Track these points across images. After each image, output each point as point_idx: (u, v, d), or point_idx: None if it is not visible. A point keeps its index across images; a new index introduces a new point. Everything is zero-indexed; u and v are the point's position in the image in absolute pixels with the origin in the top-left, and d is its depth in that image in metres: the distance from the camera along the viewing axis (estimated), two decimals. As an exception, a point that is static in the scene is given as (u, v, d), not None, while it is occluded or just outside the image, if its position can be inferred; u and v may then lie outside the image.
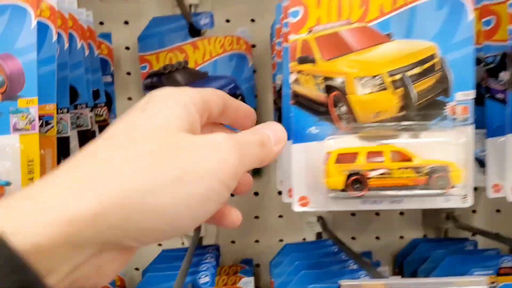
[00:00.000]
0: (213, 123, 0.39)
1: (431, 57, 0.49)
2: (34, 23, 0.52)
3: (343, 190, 0.49)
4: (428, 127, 0.48)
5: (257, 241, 1.03)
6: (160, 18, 0.92)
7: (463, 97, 0.49)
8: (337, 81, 0.48)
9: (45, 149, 0.58)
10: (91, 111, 0.76)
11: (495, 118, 0.63)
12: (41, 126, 0.57)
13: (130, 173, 0.30)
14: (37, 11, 0.53)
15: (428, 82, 0.49)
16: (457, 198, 0.49)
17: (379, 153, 0.48)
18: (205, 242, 1.01)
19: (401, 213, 1.02)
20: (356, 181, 0.48)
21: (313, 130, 0.49)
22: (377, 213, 1.02)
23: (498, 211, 1.03)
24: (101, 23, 0.96)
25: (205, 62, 0.90)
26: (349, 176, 0.48)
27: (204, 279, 0.83)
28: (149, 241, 0.32)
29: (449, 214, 0.98)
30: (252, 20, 0.98)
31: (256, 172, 0.97)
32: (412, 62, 0.49)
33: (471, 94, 0.49)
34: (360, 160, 0.48)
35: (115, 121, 0.34)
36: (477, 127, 0.54)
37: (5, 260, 0.25)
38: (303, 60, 0.47)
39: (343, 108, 0.48)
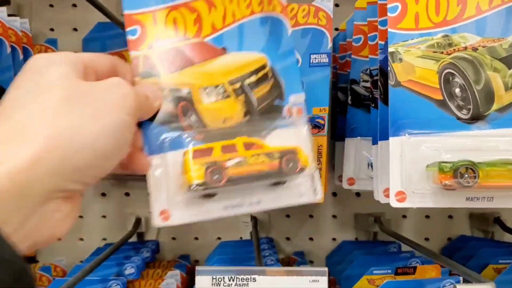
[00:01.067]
0: None
1: (263, 66, 0.54)
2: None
3: (204, 184, 0.50)
4: (272, 128, 0.53)
5: (196, 238, 1.08)
6: (105, 23, 0.98)
7: (295, 100, 0.54)
8: (184, 91, 0.51)
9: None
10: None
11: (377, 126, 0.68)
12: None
13: (50, 119, 0.34)
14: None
15: (264, 88, 0.54)
16: (310, 193, 0.54)
17: (232, 146, 0.52)
18: (147, 237, 1.07)
19: (334, 216, 1.07)
20: (215, 172, 0.51)
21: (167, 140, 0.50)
22: (311, 215, 1.07)
23: (427, 217, 1.07)
24: (52, 29, 1.02)
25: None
26: (207, 168, 0.50)
27: (129, 270, 0.89)
28: (87, 179, 0.36)
29: (377, 218, 1.02)
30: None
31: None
32: (248, 71, 0.53)
33: (301, 96, 0.54)
34: (215, 153, 0.51)
35: (13, 84, 0.37)
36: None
37: None
38: (146, 75, 0.50)
39: (193, 117, 0.51)
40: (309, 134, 0.53)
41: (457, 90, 0.58)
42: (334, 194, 1.06)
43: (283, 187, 0.54)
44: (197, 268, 0.57)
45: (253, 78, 0.53)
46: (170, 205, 0.51)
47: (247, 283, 0.58)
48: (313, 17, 0.69)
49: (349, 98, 0.79)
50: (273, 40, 0.54)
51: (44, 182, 0.33)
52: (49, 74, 0.37)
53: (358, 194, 1.06)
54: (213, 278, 0.58)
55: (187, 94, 0.51)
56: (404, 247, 0.98)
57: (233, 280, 0.58)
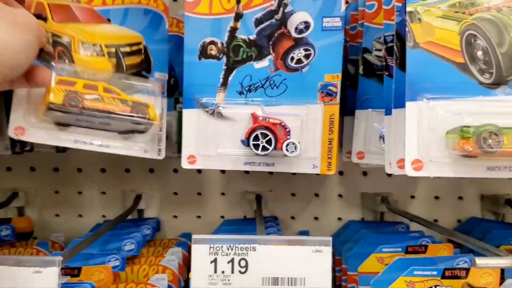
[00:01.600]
0: None
1: (139, 43, 0.66)
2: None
3: (60, 106, 0.58)
4: (134, 91, 0.63)
5: (199, 216, 1.05)
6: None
7: (160, 77, 0.68)
8: (64, 39, 0.62)
9: None
10: None
11: (391, 95, 0.65)
12: None
13: None
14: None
15: (136, 59, 0.66)
16: (154, 152, 0.65)
17: (94, 86, 0.60)
18: (147, 215, 1.04)
19: (340, 195, 1.04)
20: (73, 99, 0.58)
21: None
22: (316, 194, 1.04)
23: (436, 197, 1.04)
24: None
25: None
26: (67, 94, 0.58)
27: (129, 246, 0.86)
28: None
29: (384, 198, 0.99)
30: None
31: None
32: (125, 42, 0.65)
33: (165, 76, 0.68)
34: (78, 86, 0.59)
35: None
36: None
37: None
38: (37, 16, 0.56)
39: (66, 62, 0.62)
40: (164, 106, 0.66)
41: (480, 53, 0.54)
42: (341, 173, 1.03)
43: (131, 140, 0.65)
44: (194, 236, 0.54)
45: (127, 48, 0.65)
46: (26, 123, 0.62)
47: (247, 252, 0.54)
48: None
49: (361, 68, 0.75)
50: (151, 27, 0.67)
51: None
52: None
53: (365, 173, 1.03)
54: (210, 247, 0.54)
55: (66, 42, 0.62)
56: (413, 228, 0.95)
57: (231, 249, 0.54)
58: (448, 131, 0.52)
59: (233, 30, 0.63)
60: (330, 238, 0.54)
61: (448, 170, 0.54)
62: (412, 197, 1.04)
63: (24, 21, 0.48)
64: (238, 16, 0.63)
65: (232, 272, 0.52)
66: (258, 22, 0.64)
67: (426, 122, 0.53)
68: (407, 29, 0.54)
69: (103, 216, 1.05)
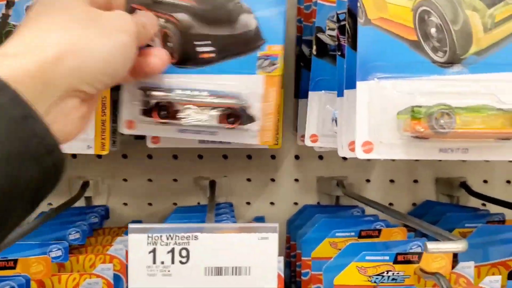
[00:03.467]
0: None
1: None
2: None
3: None
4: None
5: (150, 204, 1.02)
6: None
7: None
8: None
9: None
10: None
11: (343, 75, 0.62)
12: None
13: (71, 29, 0.41)
14: None
15: None
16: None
17: None
18: (95, 202, 0.99)
19: (296, 179, 1.02)
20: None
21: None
22: (272, 179, 1.02)
23: (391, 181, 1.03)
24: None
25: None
26: None
27: (73, 235, 0.82)
28: (99, 85, 0.43)
29: (339, 182, 0.98)
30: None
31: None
32: None
33: None
34: None
35: (32, 7, 0.43)
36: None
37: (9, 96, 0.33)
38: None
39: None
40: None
41: (433, 30, 0.52)
42: (297, 157, 1.01)
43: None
44: (130, 225, 0.50)
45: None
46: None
47: (188, 241, 0.51)
48: None
49: (314, 48, 0.72)
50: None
51: (65, 77, 0.39)
52: (66, 2, 0.43)
53: (321, 157, 1.01)
54: (148, 237, 0.51)
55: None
56: (368, 212, 0.94)
57: (171, 239, 0.51)
58: (400, 111, 0.50)
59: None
60: (277, 225, 0.51)
61: (399, 152, 0.52)
62: (368, 180, 1.03)
63: (114, 23, 0.45)
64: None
65: (173, 262, 0.49)
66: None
67: (377, 102, 0.51)
68: (358, 5, 0.52)
69: (49, 204, 1.00)
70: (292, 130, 0.97)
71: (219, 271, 0.50)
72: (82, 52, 0.40)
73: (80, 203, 0.98)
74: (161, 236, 0.50)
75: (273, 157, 1.01)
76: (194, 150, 0.99)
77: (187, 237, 0.50)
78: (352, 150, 0.55)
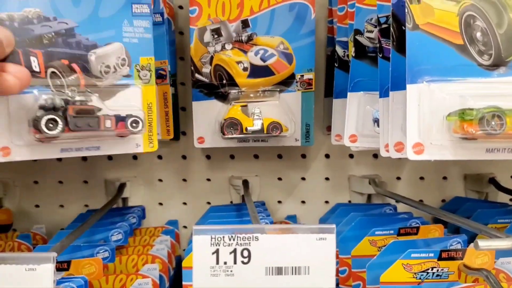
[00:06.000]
0: None
1: None
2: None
3: None
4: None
5: (184, 203, 1.04)
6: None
7: None
8: None
9: None
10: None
11: (386, 77, 0.64)
12: None
13: None
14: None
15: None
16: None
17: None
18: (131, 203, 1.02)
19: (327, 178, 1.03)
20: None
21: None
22: (303, 178, 1.03)
23: (421, 178, 1.05)
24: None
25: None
26: None
27: (116, 236, 0.84)
28: None
29: (371, 180, 0.99)
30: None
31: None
32: None
33: None
34: None
35: None
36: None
37: None
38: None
39: None
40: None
41: (478, 34, 0.54)
42: (327, 156, 1.03)
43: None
44: (195, 227, 0.52)
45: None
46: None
47: (249, 242, 0.53)
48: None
49: (352, 50, 0.74)
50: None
51: None
52: None
53: (351, 155, 1.03)
54: (212, 238, 0.53)
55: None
56: (400, 209, 0.96)
57: (233, 240, 0.53)
58: (450, 113, 0.52)
59: None
60: (334, 226, 0.53)
61: (448, 153, 0.53)
62: (398, 178, 1.04)
63: None
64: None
65: (235, 262, 0.51)
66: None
67: (426, 105, 0.53)
68: (406, 10, 0.53)
69: (85, 205, 1.02)
70: (322, 129, 0.98)
71: (279, 271, 0.52)
72: None
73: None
74: (223, 237, 0.52)
75: (303, 156, 1.03)
76: (226, 150, 1.01)
77: (248, 238, 0.52)
78: (399, 151, 0.57)
